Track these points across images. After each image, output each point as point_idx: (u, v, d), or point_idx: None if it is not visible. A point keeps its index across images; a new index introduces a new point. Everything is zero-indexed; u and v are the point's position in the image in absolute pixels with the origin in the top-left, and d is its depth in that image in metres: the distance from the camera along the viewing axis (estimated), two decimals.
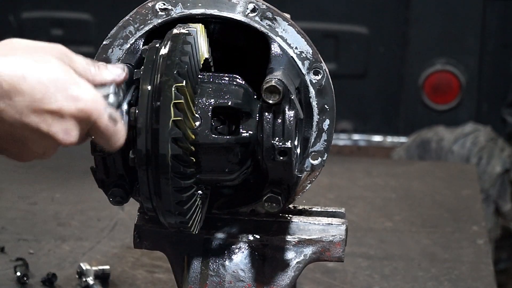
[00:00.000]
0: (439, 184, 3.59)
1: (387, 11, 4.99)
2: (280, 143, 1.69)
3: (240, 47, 1.96)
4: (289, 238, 1.92)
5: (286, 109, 1.70)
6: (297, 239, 1.92)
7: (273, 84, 1.66)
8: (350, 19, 4.99)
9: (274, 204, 1.75)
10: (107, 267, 2.52)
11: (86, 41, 4.98)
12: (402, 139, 5.04)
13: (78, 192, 3.23)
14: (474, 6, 4.91)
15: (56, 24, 4.97)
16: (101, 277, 2.49)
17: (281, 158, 1.70)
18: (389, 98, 5.09)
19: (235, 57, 1.96)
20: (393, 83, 5.07)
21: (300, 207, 2.00)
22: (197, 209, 1.76)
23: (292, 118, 1.70)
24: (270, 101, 1.67)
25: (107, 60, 1.85)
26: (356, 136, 5.12)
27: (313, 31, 4.76)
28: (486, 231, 3.04)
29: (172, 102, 1.63)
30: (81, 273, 2.48)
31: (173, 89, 1.63)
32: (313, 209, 2.00)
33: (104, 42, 1.86)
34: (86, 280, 2.45)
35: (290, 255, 1.92)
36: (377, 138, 5.11)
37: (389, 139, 5.09)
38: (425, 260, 2.75)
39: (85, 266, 2.49)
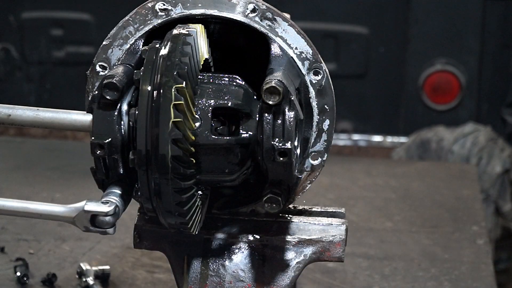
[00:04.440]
0: (439, 184, 3.59)
1: (387, 11, 4.99)
2: (280, 144, 1.69)
3: (240, 47, 1.95)
4: (289, 238, 1.92)
5: (286, 110, 1.69)
6: (297, 239, 1.92)
7: (273, 85, 1.66)
8: (350, 19, 4.99)
9: (274, 205, 1.74)
10: (107, 267, 2.52)
11: (86, 41, 4.98)
12: (402, 139, 5.04)
13: (78, 192, 3.24)
14: (474, 6, 4.91)
15: (56, 24, 4.97)
16: (101, 277, 2.49)
17: (281, 158, 1.69)
18: (389, 98, 5.09)
19: (235, 57, 1.95)
20: (393, 83, 5.07)
21: (300, 207, 2.00)
22: (197, 210, 1.75)
23: (292, 119, 1.70)
24: (270, 102, 1.67)
25: (107, 60, 1.85)
26: (356, 136, 5.11)
27: (313, 31, 4.76)
28: (486, 231, 3.04)
29: (172, 103, 1.63)
30: (81, 273, 2.49)
31: (173, 90, 1.63)
32: (313, 209, 2.00)
33: (104, 43, 1.86)
34: (86, 280, 2.45)
35: (290, 255, 1.92)
36: (377, 138, 5.11)
37: (389, 139, 5.09)
38: (425, 260, 2.75)
39: (85, 266, 2.49)
